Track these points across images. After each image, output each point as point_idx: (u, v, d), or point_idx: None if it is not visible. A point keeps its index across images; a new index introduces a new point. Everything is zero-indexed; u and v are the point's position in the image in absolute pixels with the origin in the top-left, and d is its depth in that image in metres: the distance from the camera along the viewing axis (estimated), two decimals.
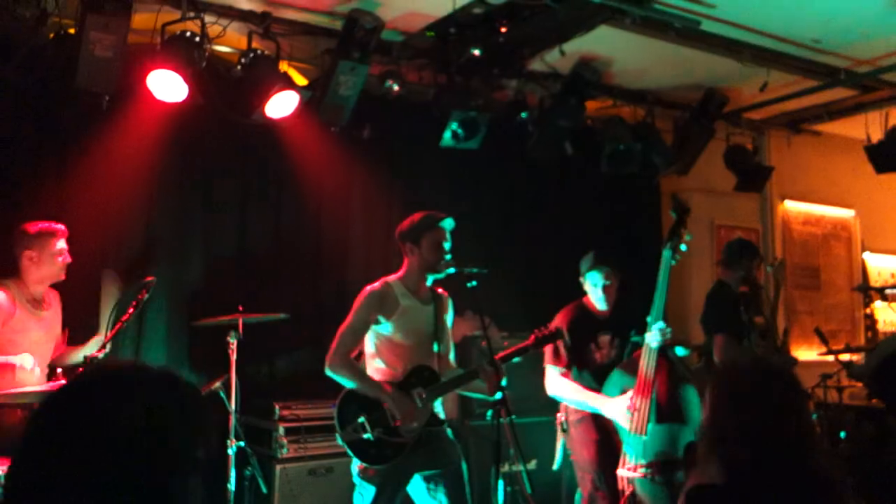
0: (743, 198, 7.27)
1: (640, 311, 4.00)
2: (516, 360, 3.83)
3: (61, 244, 3.95)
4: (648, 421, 3.75)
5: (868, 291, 7.37)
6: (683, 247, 3.93)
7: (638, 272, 4.83)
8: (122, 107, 4.65)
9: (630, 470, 3.79)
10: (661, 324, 3.80)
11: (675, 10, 4.80)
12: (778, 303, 5.24)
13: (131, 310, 3.70)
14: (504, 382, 3.50)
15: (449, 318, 3.98)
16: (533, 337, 3.85)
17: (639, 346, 3.99)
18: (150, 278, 3.79)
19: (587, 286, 4.28)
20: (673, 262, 3.89)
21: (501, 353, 3.80)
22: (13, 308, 3.81)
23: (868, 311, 7.92)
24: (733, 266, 4.98)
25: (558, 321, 4.23)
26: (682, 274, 6.74)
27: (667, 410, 3.78)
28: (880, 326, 7.95)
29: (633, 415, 3.78)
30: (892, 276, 8.49)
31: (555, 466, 4.42)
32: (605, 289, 4.21)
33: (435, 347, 3.81)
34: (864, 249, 8.33)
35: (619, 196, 6.61)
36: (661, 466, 3.73)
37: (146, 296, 3.73)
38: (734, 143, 6.81)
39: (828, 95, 6.52)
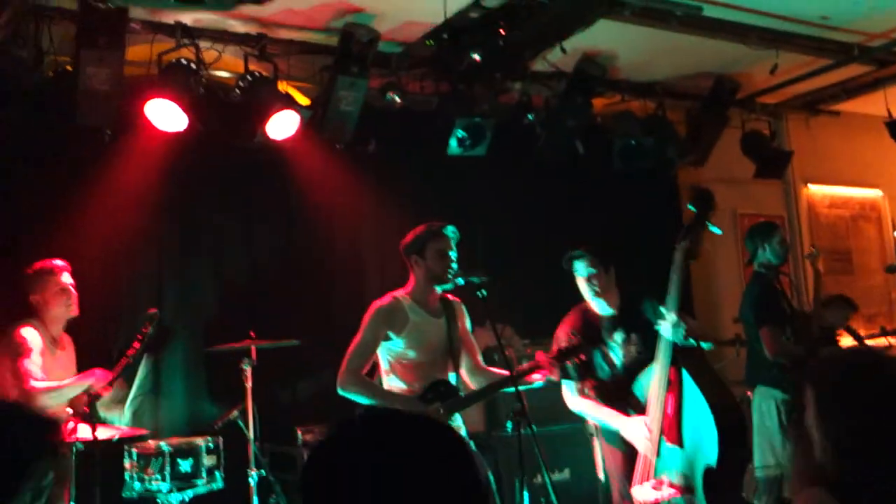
0: (764, 185, 7.08)
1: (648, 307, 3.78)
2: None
3: (65, 278, 3.92)
4: (660, 442, 3.48)
5: None
6: (703, 244, 3.64)
7: (660, 270, 4.68)
8: (123, 139, 4.65)
9: (648, 489, 3.50)
10: (673, 317, 3.47)
11: None
12: (820, 291, 5.03)
13: (136, 344, 3.65)
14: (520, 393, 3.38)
15: (467, 323, 3.88)
16: (555, 351, 3.69)
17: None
18: (153, 310, 3.75)
19: (580, 285, 3.87)
20: (690, 262, 3.61)
21: (520, 368, 3.71)
22: (43, 344, 3.79)
23: None
24: (756, 255, 4.76)
25: (560, 330, 3.92)
26: (707, 266, 6.57)
27: (678, 432, 3.47)
28: None
29: (647, 436, 3.51)
30: None
31: (601, 475, 4.20)
32: (592, 279, 3.79)
33: (450, 362, 3.72)
34: (894, 229, 8.08)
35: (636, 193, 6.45)
36: (682, 489, 3.44)
37: (151, 329, 3.68)
38: (750, 129, 6.64)
39: (843, 73, 6.34)
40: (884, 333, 5.89)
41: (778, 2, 4.97)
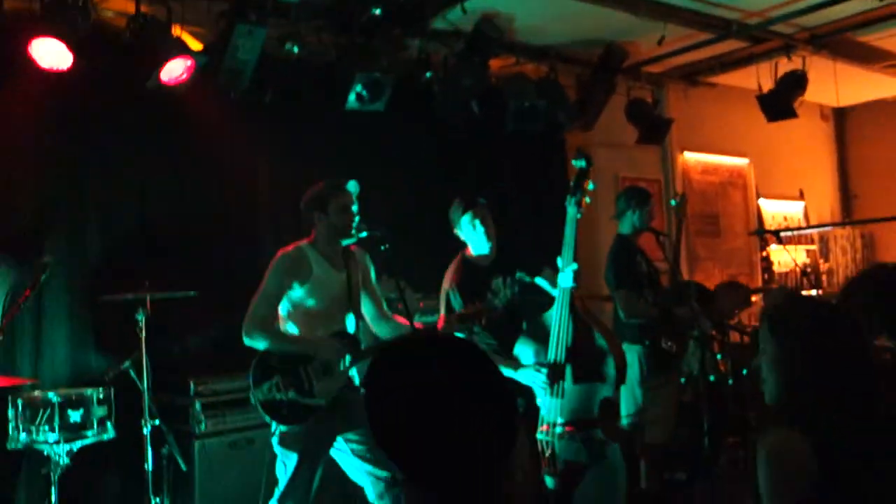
0: (645, 150, 7.46)
1: (530, 255, 4.02)
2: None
3: None
4: (564, 382, 3.72)
5: (764, 235, 7.72)
6: (588, 199, 3.89)
7: (545, 227, 4.90)
8: (4, 77, 4.37)
9: (546, 431, 3.75)
10: (574, 265, 3.72)
11: None
12: (681, 238, 5.28)
13: (28, 292, 3.52)
14: None
15: (369, 271, 3.97)
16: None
17: (529, 285, 3.97)
18: (46, 258, 3.63)
19: (465, 234, 4.06)
20: (578, 215, 3.85)
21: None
22: None
23: (764, 254, 8.31)
24: (626, 216, 5.05)
25: (447, 281, 4.09)
26: (588, 228, 6.88)
27: (583, 369, 3.75)
28: (776, 268, 8.36)
29: (550, 379, 3.72)
30: (785, 219, 8.92)
31: None
32: (485, 228, 3.99)
33: (347, 314, 3.80)
34: (758, 196, 8.71)
35: (526, 153, 6.67)
36: (578, 424, 3.71)
37: (43, 277, 3.56)
38: (635, 96, 6.96)
39: (721, 48, 6.73)
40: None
41: None
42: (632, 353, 4.69)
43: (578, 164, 3.88)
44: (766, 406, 2.05)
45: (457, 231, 4.10)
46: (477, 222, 3.99)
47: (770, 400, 2.03)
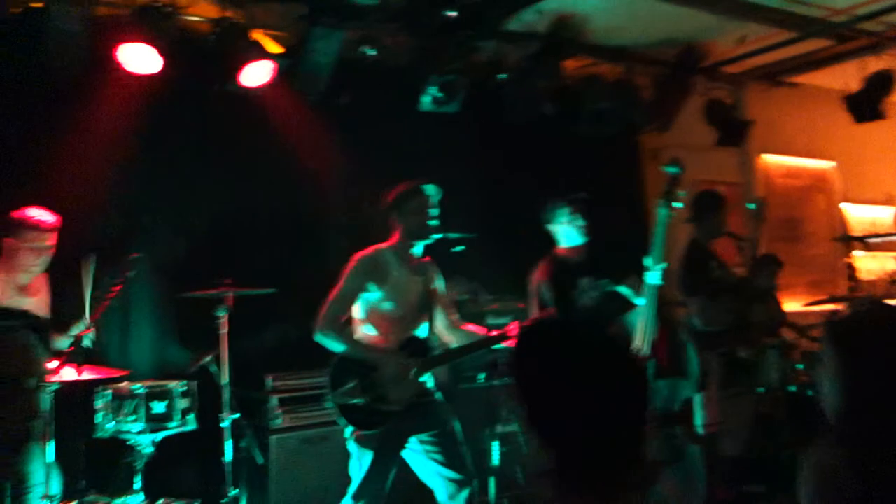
0: (723, 153, 7.27)
1: (615, 259, 4.05)
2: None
3: (45, 238, 3.75)
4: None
5: (849, 241, 7.43)
6: (679, 204, 3.86)
7: (619, 230, 4.84)
8: (94, 81, 4.57)
9: None
10: (664, 264, 3.76)
11: None
12: (759, 243, 5.16)
13: (117, 288, 3.66)
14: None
15: (440, 283, 3.99)
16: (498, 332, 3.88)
17: (612, 293, 3.99)
18: (134, 255, 3.77)
19: (558, 231, 4.23)
20: (670, 217, 3.83)
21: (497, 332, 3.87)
22: (6, 291, 3.73)
23: (849, 260, 7.99)
24: (700, 220, 4.95)
25: (538, 277, 4.19)
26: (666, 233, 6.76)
27: (667, 365, 3.77)
28: (862, 276, 8.04)
29: None
30: (872, 225, 8.57)
31: None
32: (583, 222, 4.16)
33: (425, 319, 3.83)
34: (844, 200, 8.40)
35: (599, 155, 6.58)
36: (659, 419, 3.73)
37: (131, 272, 3.69)
38: (713, 97, 6.81)
39: (805, 47, 6.52)
40: (833, 300, 6.16)
41: None
42: (708, 361, 4.58)
43: (671, 170, 3.90)
44: (823, 420, 1.94)
45: (550, 226, 4.23)
46: (578, 216, 4.14)
47: (829, 413, 1.92)
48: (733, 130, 6.91)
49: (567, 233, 4.20)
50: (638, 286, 3.88)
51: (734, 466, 4.82)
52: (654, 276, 3.75)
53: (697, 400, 4.54)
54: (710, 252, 4.90)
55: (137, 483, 3.85)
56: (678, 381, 3.81)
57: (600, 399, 1.44)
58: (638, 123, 6.32)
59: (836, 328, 1.97)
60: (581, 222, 4.15)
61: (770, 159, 7.87)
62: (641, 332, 3.73)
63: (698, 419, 4.66)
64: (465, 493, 3.70)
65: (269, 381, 4.71)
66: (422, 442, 3.75)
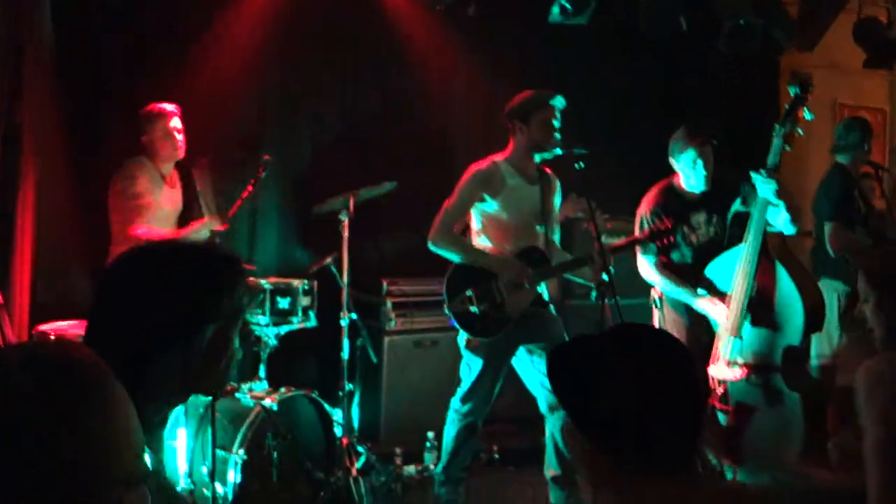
0: (871, 76, 6.78)
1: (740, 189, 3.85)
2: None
3: (173, 122, 4.05)
4: (743, 322, 3.58)
5: None
6: (800, 130, 3.61)
7: (750, 155, 4.63)
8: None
9: (720, 366, 3.63)
10: (774, 175, 3.50)
11: None
12: None
13: (250, 187, 3.87)
14: (612, 270, 3.50)
15: (557, 199, 3.97)
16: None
17: (742, 217, 3.78)
18: (266, 157, 3.96)
19: (682, 167, 3.94)
20: (787, 148, 3.59)
21: (614, 244, 3.80)
22: (150, 182, 4.03)
23: None
24: (845, 150, 4.68)
25: (645, 205, 4.02)
26: (798, 157, 6.43)
27: (764, 313, 3.58)
28: None
29: (727, 315, 3.59)
30: None
31: None
32: (705, 164, 3.85)
33: (540, 228, 3.84)
34: None
35: (734, 74, 6.27)
36: (758, 369, 3.58)
37: (264, 173, 3.89)
38: (867, 14, 6.29)
39: None
40: None
41: None
42: (830, 291, 4.41)
43: (793, 89, 3.56)
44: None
45: (673, 160, 3.98)
46: (700, 162, 3.85)
47: (880, 344, 2.23)
48: (885, 51, 6.38)
49: (688, 175, 3.92)
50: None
51: (849, 400, 4.68)
52: (766, 188, 3.49)
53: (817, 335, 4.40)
54: (854, 180, 4.70)
55: (262, 371, 4.13)
56: (774, 331, 3.58)
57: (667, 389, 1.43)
58: (780, 42, 5.93)
59: (868, 268, 2.33)
60: (704, 173, 3.84)
61: None
62: (740, 274, 3.58)
63: (813, 351, 4.53)
64: None
65: (385, 286, 4.90)
66: (530, 352, 3.81)
